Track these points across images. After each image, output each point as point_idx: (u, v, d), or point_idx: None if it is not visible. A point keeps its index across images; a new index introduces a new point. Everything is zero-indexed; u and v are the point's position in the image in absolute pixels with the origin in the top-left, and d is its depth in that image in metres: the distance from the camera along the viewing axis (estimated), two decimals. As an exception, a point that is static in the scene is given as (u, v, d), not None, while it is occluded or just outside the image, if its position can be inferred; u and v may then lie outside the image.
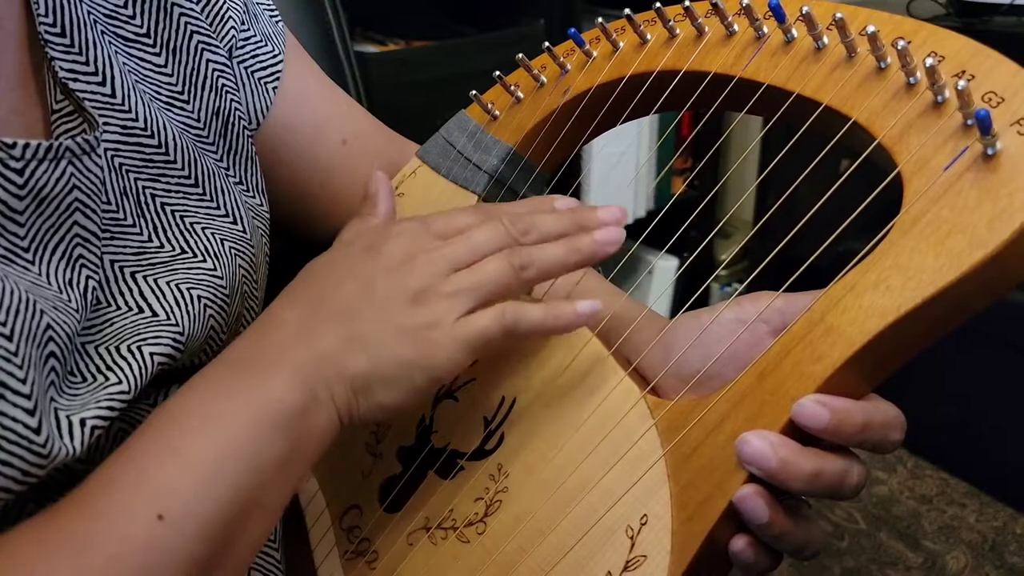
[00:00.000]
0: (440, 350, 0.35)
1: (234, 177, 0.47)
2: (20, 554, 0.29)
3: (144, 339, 0.37)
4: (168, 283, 0.40)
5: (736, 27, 0.39)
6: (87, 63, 0.40)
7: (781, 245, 0.37)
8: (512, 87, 0.47)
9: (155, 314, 0.38)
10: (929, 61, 0.31)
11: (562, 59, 0.45)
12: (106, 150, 0.39)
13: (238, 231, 0.45)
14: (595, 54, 0.44)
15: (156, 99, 0.44)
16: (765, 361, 0.33)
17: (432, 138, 0.49)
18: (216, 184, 0.45)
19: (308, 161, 0.53)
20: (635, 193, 1.54)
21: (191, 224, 0.43)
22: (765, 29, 0.37)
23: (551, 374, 0.40)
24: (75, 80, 0.39)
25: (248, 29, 0.49)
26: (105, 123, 0.40)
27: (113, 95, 0.40)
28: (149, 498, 0.31)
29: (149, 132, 0.42)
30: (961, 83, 0.29)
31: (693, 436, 0.34)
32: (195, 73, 0.45)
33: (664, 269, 1.62)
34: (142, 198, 0.41)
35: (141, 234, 0.40)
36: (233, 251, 0.44)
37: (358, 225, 0.43)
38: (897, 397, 0.34)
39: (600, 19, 0.43)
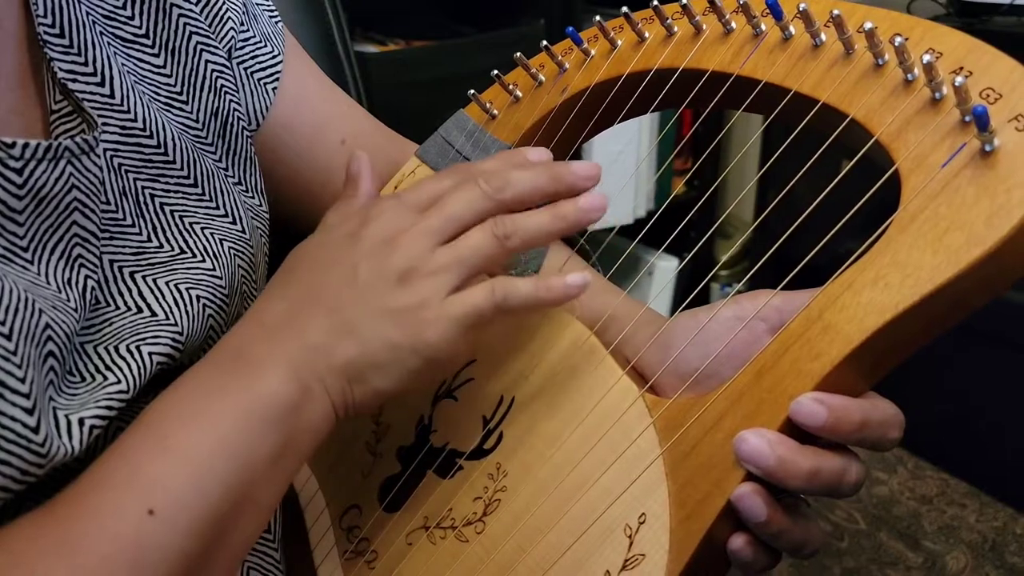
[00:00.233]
0: (431, 329, 0.35)
1: (233, 177, 0.47)
2: (18, 551, 0.29)
3: (143, 339, 0.37)
4: (167, 283, 0.40)
5: (734, 24, 0.39)
6: (86, 64, 0.40)
7: (779, 243, 0.37)
8: (511, 86, 0.47)
9: (154, 314, 0.39)
10: (926, 57, 0.31)
11: (560, 58, 0.45)
12: (105, 150, 0.39)
13: (237, 231, 0.45)
14: (593, 52, 0.44)
15: (155, 100, 0.44)
16: (763, 359, 0.33)
17: (431, 138, 0.49)
18: (215, 184, 0.45)
19: (308, 161, 0.53)
20: (635, 192, 1.54)
21: (190, 224, 0.43)
22: (763, 26, 0.37)
23: (550, 373, 0.40)
24: (74, 80, 0.39)
25: (247, 30, 0.49)
26: (104, 123, 0.40)
27: (112, 95, 0.40)
28: (140, 494, 0.31)
29: (148, 132, 0.42)
30: (959, 79, 0.29)
31: (691, 434, 0.34)
32: (194, 74, 0.45)
33: (663, 269, 1.62)
34: (141, 198, 0.41)
35: (140, 234, 0.40)
36: (232, 251, 0.44)
37: (341, 207, 0.43)
38: (895, 395, 0.34)
39: (598, 17, 0.43)
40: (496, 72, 0.47)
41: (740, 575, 0.35)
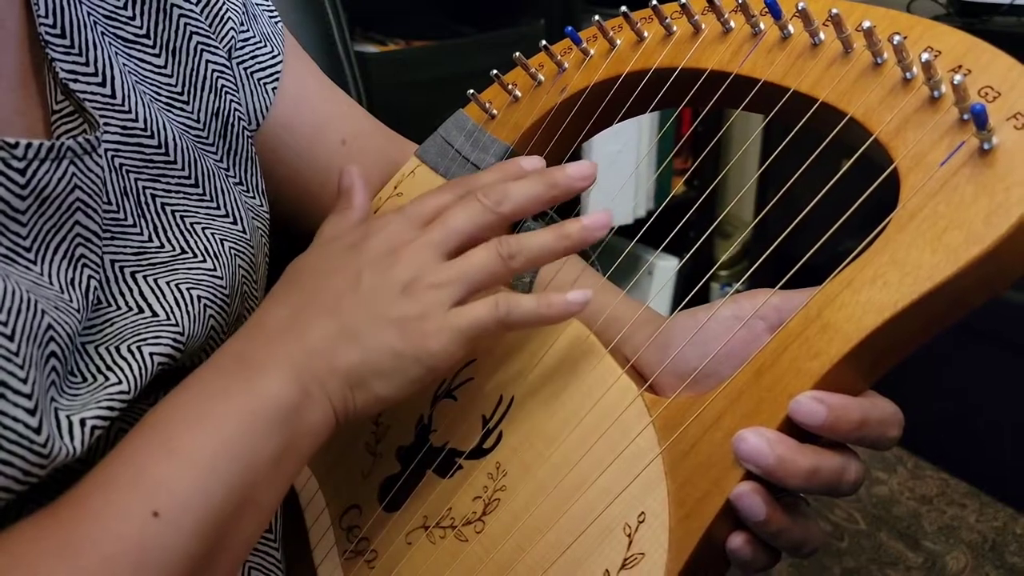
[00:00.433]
0: (433, 340, 0.36)
1: (234, 177, 0.47)
2: (20, 553, 0.29)
3: (144, 339, 0.37)
4: (168, 283, 0.40)
5: (732, 24, 0.39)
6: (87, 64, 0.40)
7: (778, 241, 0.37)
8: (510, 86, 0.47)
9: (155, 314, 0.39)
10: (925, 56, 0.31)
11: (559, 57, 0.45)
12: (106, 150, 0.39)
13: (238, 231, 0.45)
14: (592, 52, 0.44)
15: (156, 100, 0.44)
16: (762, 358, 0.33)
17: (430, 137, 0.49)
18: (216, 184, 0.45)
19: (308, 161, 0.53)
20: (634, 192, 1.55)
21: (191, 224, 0.43)
22: (762, 25, 0.38)
23: (549, 372, 0.40)
24: (75, 81, 0.39)
25: (247, 30, 0.49)
26: (105, 123, 0.40)
27: (113, 96, 0.40)
28: (144, 496, 0.31)
29: (149, 132, 0.42)
30: (957, 78, 0.29)
31: (690, 433, 0.34)
32: (194, 74, 0.46)
33: (663, 268, 1.62)
34: (142, 198, 0.41)
35: (141, 234, 0.41)
36: (233, 251, 0.44)
37: (336, 221, 0.43)
38: (894, 394, 0.34)
39: (597, 17, 0.43)
40: (495, 72, 0.47)
41: (739, 574, 0.35)
